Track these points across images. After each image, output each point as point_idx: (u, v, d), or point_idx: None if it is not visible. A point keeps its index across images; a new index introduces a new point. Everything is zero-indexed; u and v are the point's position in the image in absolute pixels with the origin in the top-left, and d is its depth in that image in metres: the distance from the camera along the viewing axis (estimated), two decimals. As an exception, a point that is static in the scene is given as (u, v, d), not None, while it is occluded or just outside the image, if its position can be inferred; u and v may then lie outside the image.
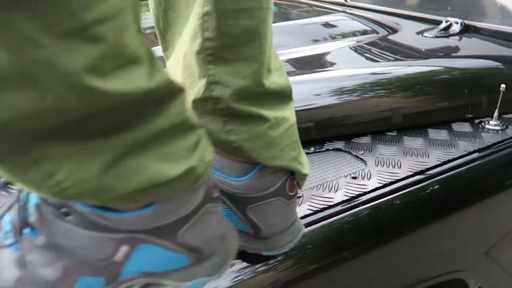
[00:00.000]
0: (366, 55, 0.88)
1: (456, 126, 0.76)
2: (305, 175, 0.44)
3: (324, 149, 0.68)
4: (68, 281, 0.34)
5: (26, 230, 0.34)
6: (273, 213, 0.43)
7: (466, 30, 0.95)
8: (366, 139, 0.71)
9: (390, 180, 0.59)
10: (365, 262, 0.55)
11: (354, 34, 0.99)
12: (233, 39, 0.39)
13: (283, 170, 0.43)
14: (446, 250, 0.66)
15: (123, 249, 0.34)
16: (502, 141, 0.70)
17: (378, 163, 0.63)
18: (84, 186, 0.29)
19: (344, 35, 0.99)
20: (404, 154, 0.66)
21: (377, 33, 1.00)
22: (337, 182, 0.59)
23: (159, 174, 0.30)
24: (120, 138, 0.29)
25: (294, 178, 0.44)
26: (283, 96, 0.43)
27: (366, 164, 0.64)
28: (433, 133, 0.73)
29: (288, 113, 0.43)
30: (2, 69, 0.24)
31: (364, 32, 1.01)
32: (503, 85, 0.71)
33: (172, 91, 0.31)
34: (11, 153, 0.27)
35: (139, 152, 0.30)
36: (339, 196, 0.56)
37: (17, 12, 0.22)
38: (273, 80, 0.41)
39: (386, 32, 1.01)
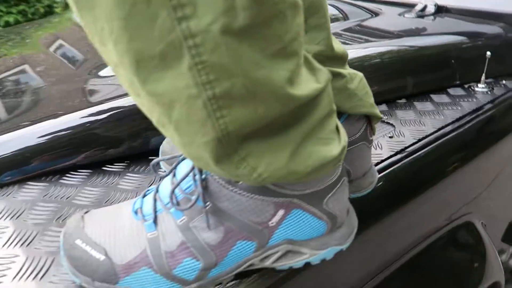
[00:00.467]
0: (366, 33, 0.97)
1: (451, 91, 0.87)
2: (380, 118, 0.50)
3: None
4: (227, 244, 0.38)
5: (193, 198, 0.37)
6: (359, 156, 0.49)
7: (440, 10, 1.08)
8: (382, 107, 0.80)
9: (421, 136, 0.67)
10: (411, 209, 0.63)
11: (347, 17, 1.08)
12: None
13: (362, 118, 0.49)
14: (458, 196, 0.76)
15: (280, 213, 0.38)
16: (493, 99, 0.82)
17: (404, 124, 0.72)
18: (277, 174, 0.34)
19: (340, 18, 1.07)
20: (421, 115, 0.75)
21: (365, 16, 1.10)
22: (378, 142, 0.66)
23: (325, 156, 0.36)
24: (298, 130, 0.34)
25: (370, 124, 0.50)
26: (344, 59, 0.49)
27: (394, 126, 0.72)
28: (436, 98, 0.83)
29: (353, 70, 0.50)
30: (237, 91, 0.29)
31: (356, 15, 1.10)
32: (488, 53, 0.83)
33: (329, 83, 0.36)
34: (227, 154, 0.32)
35: (308, 140, 0.35)
36: (386, 152, 0.63)
37: (245, 42, 0.28)
38: (336, 46, 0.48)
39: (370, 15, 1.11)
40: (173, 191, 0.39)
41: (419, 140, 0.66)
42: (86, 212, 0.43)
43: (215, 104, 0.29)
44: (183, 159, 0.42)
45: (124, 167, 0.63)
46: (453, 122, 0.73)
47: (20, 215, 0.52)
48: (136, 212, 0.41)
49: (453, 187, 0.72)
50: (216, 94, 0.29)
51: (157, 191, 0.41)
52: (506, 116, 0.83)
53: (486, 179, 0.83)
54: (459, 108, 0.78)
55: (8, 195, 0.56)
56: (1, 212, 0.52)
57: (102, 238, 0.39)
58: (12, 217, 0.52)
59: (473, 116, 0.76)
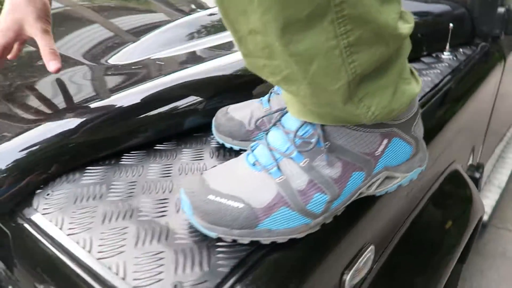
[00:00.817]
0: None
1: (424, 59, 1.00)
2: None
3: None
4: (345, 176, 0.44)
5: (313, 140, 0.43)
6: None
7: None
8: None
9: (422, 94, 0.79)
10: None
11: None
12: None
13: None
14: (447, 145, 0.90)
15: (384, 143, 0.45)
16: (459, 64, 0.97)
17: (404, 87, 0.83)
18: (384, 112, 0.41)
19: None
20: (413, 79, 0.87)
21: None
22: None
23: (413, 94, 0.43)
24: (395, 70, 0.41)
25: None
26: None
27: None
28: (415, 65, 0.96)
29: None
30: (366, 36, 0.35)
31: None
32: (451, 24, 0.98)
33: None
34: (350, 97, 0.38)
35: (400, 80, 0.42)
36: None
37: None
38: None
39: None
40: (294, 138, 0.43)
41: (423, 97, 0.78)
42: (201, 174, 0.46)
43: (348, 51, 0.35)
44: (286, 112, 0.47)
45: (174, 145, 0.64)
46: (440, 81, 0.85)
47: (101, 195, 0.52)
48: (254, 165, 0.45)
49: (445, 136, 0.84)
50: (350, 42, 0.35)
51: (267, 143, 0.45)
52: (475, 74, 0.99)
53: (461, 126, 0.97)
54: (439, 71, 0.91)
55: (74, 181, 0.55)
56: (79, 195, 0.52)
57: (234, 190, 0.43)
58: (94, 198, 0.52)
59: (453, 75, 0.90)
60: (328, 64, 0.36)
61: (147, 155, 0.62)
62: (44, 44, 0.64)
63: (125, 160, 0.60)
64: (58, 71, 0.63)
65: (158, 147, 0.64)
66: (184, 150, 0.63)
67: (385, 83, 0.40)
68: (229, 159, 0.60)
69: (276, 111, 0.59)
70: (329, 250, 0.48)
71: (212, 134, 0.67)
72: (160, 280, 0.40)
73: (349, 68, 0.36)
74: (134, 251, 0.43)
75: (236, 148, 0.62)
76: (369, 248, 0.55)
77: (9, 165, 0.53)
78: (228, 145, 0.62)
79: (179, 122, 0.67)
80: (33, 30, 0.65)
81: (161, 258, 0.42)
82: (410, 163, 0.49)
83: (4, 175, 0.53)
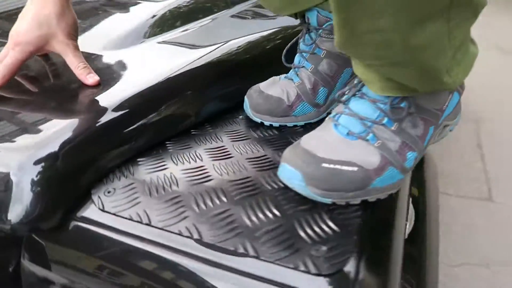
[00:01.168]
0: None
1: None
2: None
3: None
4: (425, 132, 0.50)
5: (403, 105, 0.47)
6: None
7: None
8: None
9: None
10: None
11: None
12: None
13: None
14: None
15: (449, 97, 0.51)
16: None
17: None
18: (464, 76, 0.47)
19: None
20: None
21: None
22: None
23: (476, 54, 0.49)
24: (469, 38, 0.46)
25: None
26: None
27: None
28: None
29: None
30: (467, 14, 0.40)
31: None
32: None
33: None
34: (448, 70, 0.43)
35: (469, 45, 0.47)
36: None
37: None
38: None
39: None
40: (387, 107, 0.47)
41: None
42: (299, 147, 0.47)
43: (451, 30, 0.40)
44: (363, 84, 0.50)
45: (209, 129, 0.63)
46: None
47: (176, 183, 0.49)
48: (348, 134, 0.47)
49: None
50: (455, 23, 0.40)
51: (355, 113, 0.48)
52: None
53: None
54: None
55: (133, 175, 0.51)
56: (150, 187, 0.49)
57: (343, 156, 0.45)
58: (170, 186, 0.49)
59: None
60: (438, 47, 0.40)
61: (190, 139, 0.59)
62: (77, 62, 0.60)
63: (171, 147, 0.57)
64: (98, 82, 0.59)
65: (193, 132, 0.61)
66: (224, 131, 0.62)
67: (465, 50, 0.46)
68: (272, 135, 0.61)
69: (308, 84, 0.63)
70: (399, 202, 0.53)
71: (239, 114, 0.67)
72: (298, 250, 0.41)
73: (452, 44, 0.41)
74: (252, 229, 0.43)
75: (276, 124, 0.63)
76: (410, 200, 0.63)
77: (36, 180, 0.45)
78: (267, 123, 0.63)
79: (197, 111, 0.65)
80: (63, 47, 0.60)
81: (285, 231, 0.43)
82: (456, 110, 0.56)
83: (34, 190, 0.45)
